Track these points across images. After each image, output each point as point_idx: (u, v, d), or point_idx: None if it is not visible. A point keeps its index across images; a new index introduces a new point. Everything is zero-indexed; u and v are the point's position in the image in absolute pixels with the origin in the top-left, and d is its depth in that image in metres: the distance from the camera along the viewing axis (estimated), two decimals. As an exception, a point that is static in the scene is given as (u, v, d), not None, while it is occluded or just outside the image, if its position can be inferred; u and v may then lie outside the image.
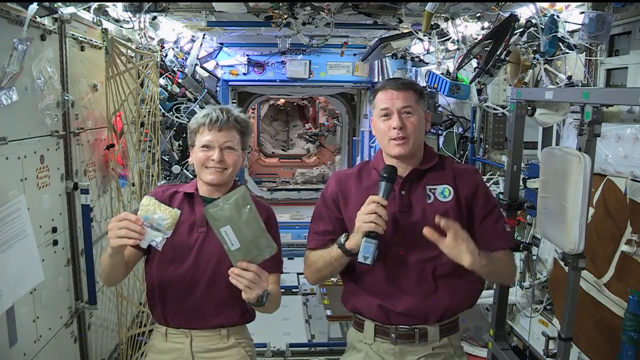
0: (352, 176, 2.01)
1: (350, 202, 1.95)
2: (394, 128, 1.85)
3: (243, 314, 2.00)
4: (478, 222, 1.92)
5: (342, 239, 1.84)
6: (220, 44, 6.22)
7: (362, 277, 1.93)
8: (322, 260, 1.92)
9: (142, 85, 3.95)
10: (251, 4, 3.68)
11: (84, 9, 3.07)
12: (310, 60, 6.73)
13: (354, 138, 8.67)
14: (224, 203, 1.73)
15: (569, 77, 2.93)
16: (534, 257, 3.18)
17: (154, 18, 4.04)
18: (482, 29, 3.72)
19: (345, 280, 2.03)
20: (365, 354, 1.98)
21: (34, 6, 2.31)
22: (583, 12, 2.67)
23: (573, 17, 2.89)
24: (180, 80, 4.99)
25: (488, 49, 3.24)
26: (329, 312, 4.98)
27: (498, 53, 3.13)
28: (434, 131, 4.91)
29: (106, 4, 3.27)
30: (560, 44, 2.83)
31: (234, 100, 7.79)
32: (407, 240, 1.86)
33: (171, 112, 4.69)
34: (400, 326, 1.92)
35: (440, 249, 1.69)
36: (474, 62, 3.65)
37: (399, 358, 1.93)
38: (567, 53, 2.88)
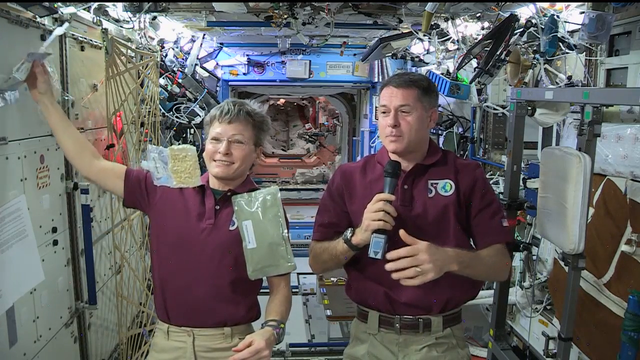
0: (357, 170, 2.03)
1: (355, 195, 1.98)
2: (388, 126, 1.88)
3: (247, 312, 1.99)
4: (473, 216, 1.93)
5: (348, 234, 1.85)
6: (220, 44, 6.22)
7: (366, 267, 1.95)
8: (328, 253, 1.93)
9: (142, 85, 3.95)
10: (251, 4, 3.68)
11: (84, 9, 3.06)
12: (310, 60, 6.72)
13: (354, 138, 8.67)
14: (252, 197, 1.73)
15: (569, 77, 2.93)
16: (534, 257, 3.18)
17: (154, 18, 4.04)
18: (482, 29, 3.72)
19: (350, 270, 2.05)
20: (369, 344, 2.00)
21: (61, 29, 2.25)
22: (583, 12, 2.66)
23: (573, 17, 2.89)
24: (180, 80, 4.99)
25: (488, 49, 3.24)
26: (329, 312, 4.98)
27: (498, 53, 3.13)
28: (434, 131, 4.91)
29: (106, 4, 3.27)
30: (560, 44, 2.83)
31: (234, 100, 7.79)
32: (410, 233, 1.85)
33: (171, 112, 4.69)
34: (405, 316, 1.94)
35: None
36: (474, 62, 3.65)
37: (403, 348, 1.96)
38: (567, 53, 2.88)
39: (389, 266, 1.68)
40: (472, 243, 2.06)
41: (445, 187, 1.92)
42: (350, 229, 1.87)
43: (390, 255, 1.68)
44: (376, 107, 6.80)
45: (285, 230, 1.71)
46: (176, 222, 1.94)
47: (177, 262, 1.92)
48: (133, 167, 3.78)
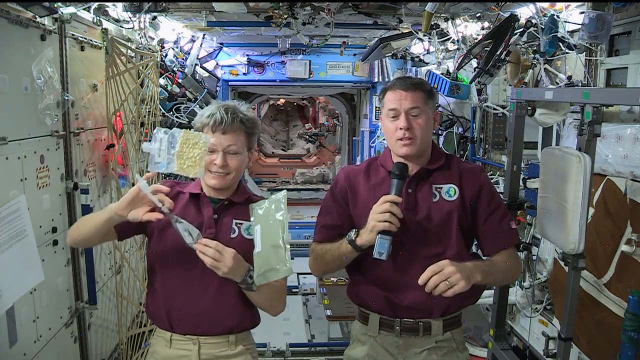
0: (361, 173, 2.03)
1: (359, 198, 1.98)
2: (401, 129, 1.88)
3: (252, 319, 1.98)
4: (482, 222, 1.94)
5: (352, 235, 1.85)
6: (220, 44, 6.22)
7: (369, 271, 1.96)
8: (331, 254, 1.94)
9: (142, 85, 3.95)
10: (251, 4, 3.67)
11: (84, 9, 3.07)
12: (310, 60, 6.73)
13: (354, 138, 8.67)
14: (266, 203, 1.73)
15: (569, 77, 2.93)
16: (534, 257, 3.18)
17: (154, 18, 4.04)
18: (482, 29, 3.72)
19: (352, 273, 2.05)
20: (370, 347, 2.01)
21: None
22: (583, 12, 2.67)
23: (573, 17, 2.89)
24: (180, 80, 4.99)
25: (488, 49, 3.24)
26: (329, 312, 4.97)
27: (498, 53, 3.13)
28: (434, 131, 4.90)
29: (106, 4, 3.27)
30: (560, 44, 2.83)
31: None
32: (413, 237, 1.88)
33: (171, 112, 4.69)
34: (405, 319, 1.95)
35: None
36: (474, 62, 3.65)
37: (403, 350, 1.97)
38: (567, 53, 2.88)
39: (421, 282, 1.69)
40: (475, 247, 2.07)
41: (449, 191, 1.93)
42: (354, 229, 1.88)
43: (421, 280, 1.69)
44: (377, 107, 6.82)
45: (287, 233, 1.69)
46: (176, 235, 1.83)
47: (182, 275, 1.88)
48: (133, 168, 3.79)
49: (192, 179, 1.94)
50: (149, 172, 1.76)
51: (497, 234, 1.93)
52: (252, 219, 1.79)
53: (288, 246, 1.70)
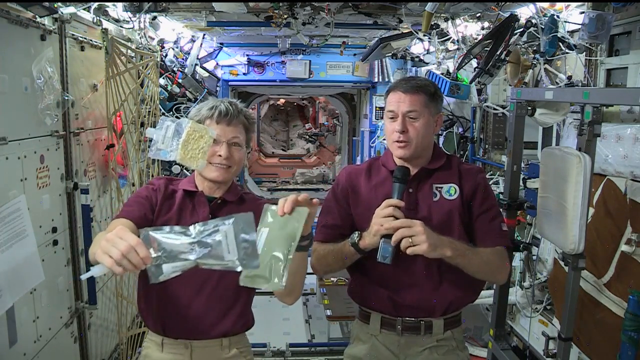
0: (362, 172, 2.04)
1: (360, 198, 1.99)
2: (396, 131, 1.89)
3: (246, 321, 1.96)
4: (473, 219, 1.95)
5: (355, 238, 1.85)
6: (220, 44, 6.22)
7: (370, 270, 1.96)
8: (333, 255, 1.94)
9: (142, 85, 3.95)
10: (251, 4, 3.68)
11: (84, 9, 3.07)
12: (310, 60, 6.72)
13: (354, 138, 8.67)
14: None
15: (569, 77, 2.93)
16: (534, 257, 3.18)
17: (154, 18, 4.04)
18: (482, 29, 3.73)
19: (353, 272, 2.05)
20: (371, 345, 2.01)
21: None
22: (583, 12, 2.67)
23: (573, 17, 2.90)
24: (180, 80, 5.00)
25: (488, 49, 3.24)
26: (329, 312, 4.97)
27: (498, 53, 3.13)
28: (434, 132, 4.91)
29: (106, 4, 3.27)
30: (560, 44, 2.83)
31: (234, 100, 7.79)
32: None
33: (171, 112, 4.70)
34: (407, 318, 1.95)
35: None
36: (474, 62, 3.65)
37: (405, 349, 1.97)
38: (567, 53, 2.88)
39: (387, 227, 1.70)
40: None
41: (449, 191, 1.94)
42: (357, 232, 1.88)
43: (388, 225, 1.70)
44: (377, 107, 6.81)
45: (294, 251, 1.52)
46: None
47: (175, 279, 1.84)
48: (133, 168, 3.79)
49: (191, 171, 1.92)
50: (150, 162, 1.70)
51: (486, 233, 1.93)
52: (263, 218, 1.69)
53: (289, 261, 1.53)
